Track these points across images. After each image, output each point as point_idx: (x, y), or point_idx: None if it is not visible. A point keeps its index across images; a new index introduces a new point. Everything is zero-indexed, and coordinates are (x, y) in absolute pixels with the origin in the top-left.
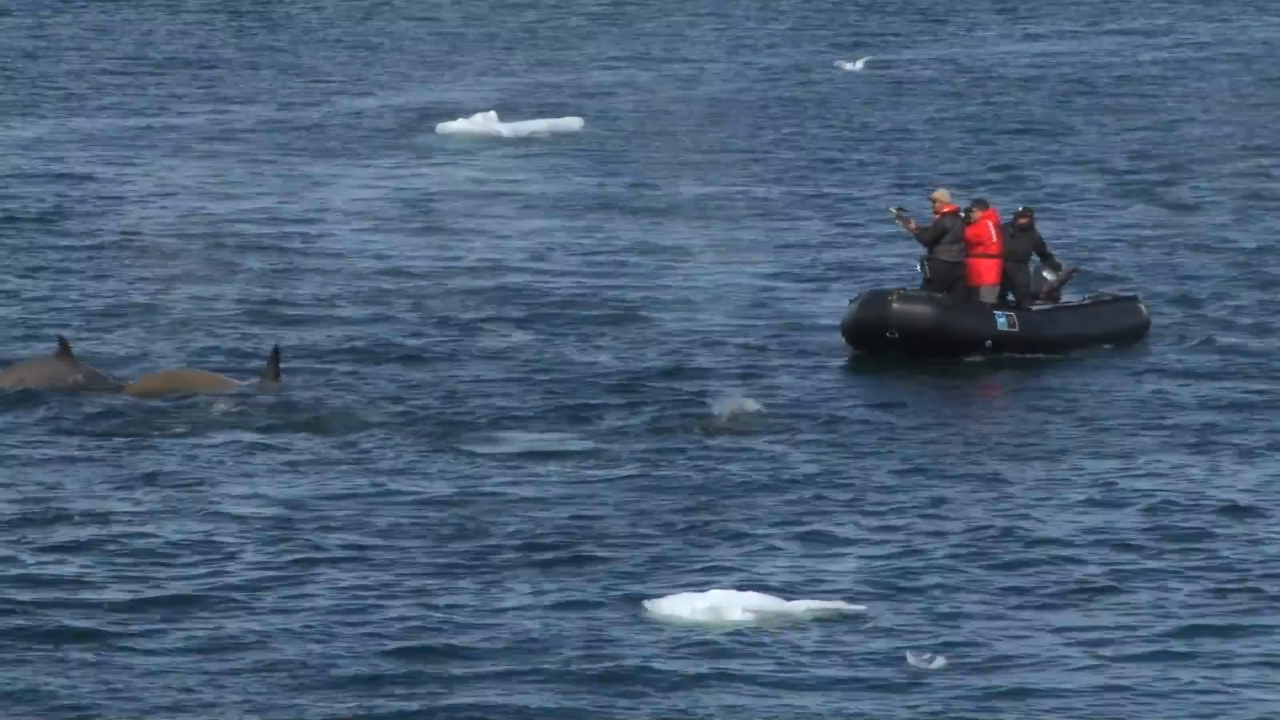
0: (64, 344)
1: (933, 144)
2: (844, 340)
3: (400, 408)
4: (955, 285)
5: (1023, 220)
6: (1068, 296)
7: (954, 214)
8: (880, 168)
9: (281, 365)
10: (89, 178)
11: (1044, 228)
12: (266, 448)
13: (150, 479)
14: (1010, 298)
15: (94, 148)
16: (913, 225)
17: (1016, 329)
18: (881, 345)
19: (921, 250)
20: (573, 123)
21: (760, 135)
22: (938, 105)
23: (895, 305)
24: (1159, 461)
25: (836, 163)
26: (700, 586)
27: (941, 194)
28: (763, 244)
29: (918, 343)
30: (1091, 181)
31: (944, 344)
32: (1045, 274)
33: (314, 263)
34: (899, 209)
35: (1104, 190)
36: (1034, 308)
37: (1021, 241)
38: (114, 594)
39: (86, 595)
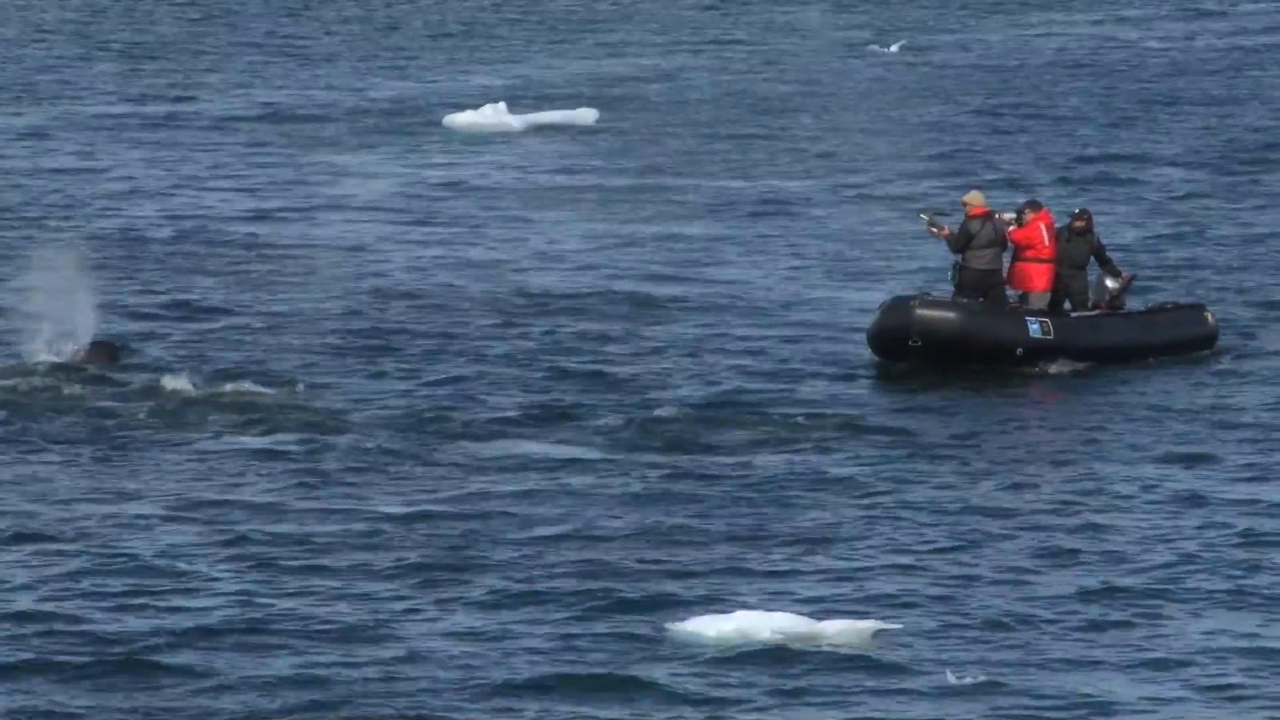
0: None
1: (976, 137)
2: (869, 349)
3: (404, 413)
4: (991, 294)
5: (1079, 224)
6: (1133, 304)
7: (983, 217)
8: (918, 162)
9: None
10: (82, 170)
11: (1103, 231)
12: (264, 454)
13: (133, 486)
14: (1067, 306)
15: (89, 137)
16: (945, 231)
17: (1051, 337)
18: (905, 354)
19: (955, 256)
20: (587, 114)
21: (788, 126)
22: (981, 94)
23: (918, 311)
24: (1210, 473)
25: (871, 156)
26: (726, 607)
27: (973, 196)
28: (790, 242)
29: (942, 351)
30: (1156, 179)
31: (970, 352)
32: (1107, 281)
33: (312, 260)
34: (931, 214)
35: (1170, 188)
36: (1074, 314)
37: (1078, 246)
38: (103, 607)
39: (79, 605)
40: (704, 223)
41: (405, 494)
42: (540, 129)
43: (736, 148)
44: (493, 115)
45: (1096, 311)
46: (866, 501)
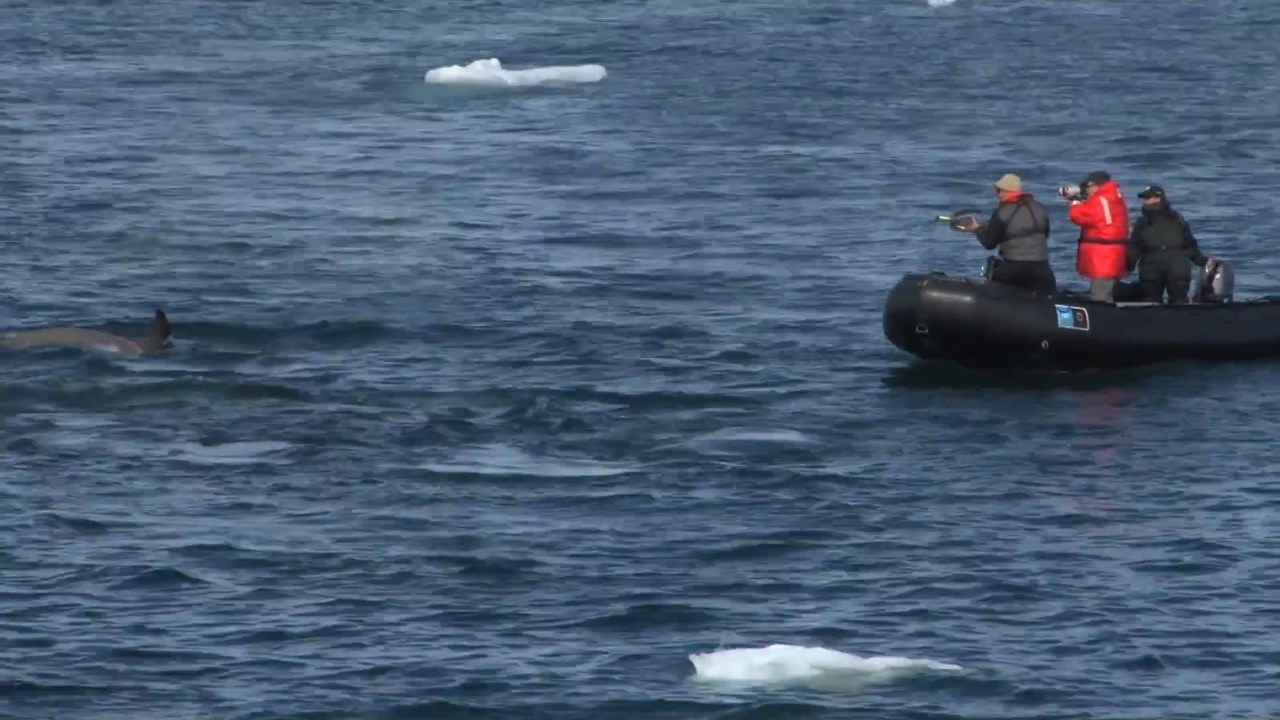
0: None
1: (1037, 99)
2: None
3: (385, 414)
4: (1036, 289)
5: (1152, 200)
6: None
7: (1016, 203)
8: (969, 128)
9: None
10: (29, 132)
11: (1196, 209)
12: (222, 467)
13: (75, 495)
14: (1165, 296)
15: (39, 98)
16: (974, 224)
17: (1087, 329)
18: (915, 343)
19: (993, 251)
20: (592, 71)
21: (822, 86)
22: (1046, 51)
23: (925, 293)
24: None
25: (914, 120)
26: (759, 640)
27: (1007, 180)
28: (820, 216)
29: (952, 341)
30: (1261, 147)
31: (985, 343)
32: (1204, 268)
33: (275, 235)
34: (955, 215)
35: (1267, 160)
36: (1122, 305)
37: (1166, 226)
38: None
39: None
40: (725, 194)
41: (396, 506)
42: (538, 88)
43: (763, 109)
44: (484, 72)
45: (1193, 303)
46: (918, 520)
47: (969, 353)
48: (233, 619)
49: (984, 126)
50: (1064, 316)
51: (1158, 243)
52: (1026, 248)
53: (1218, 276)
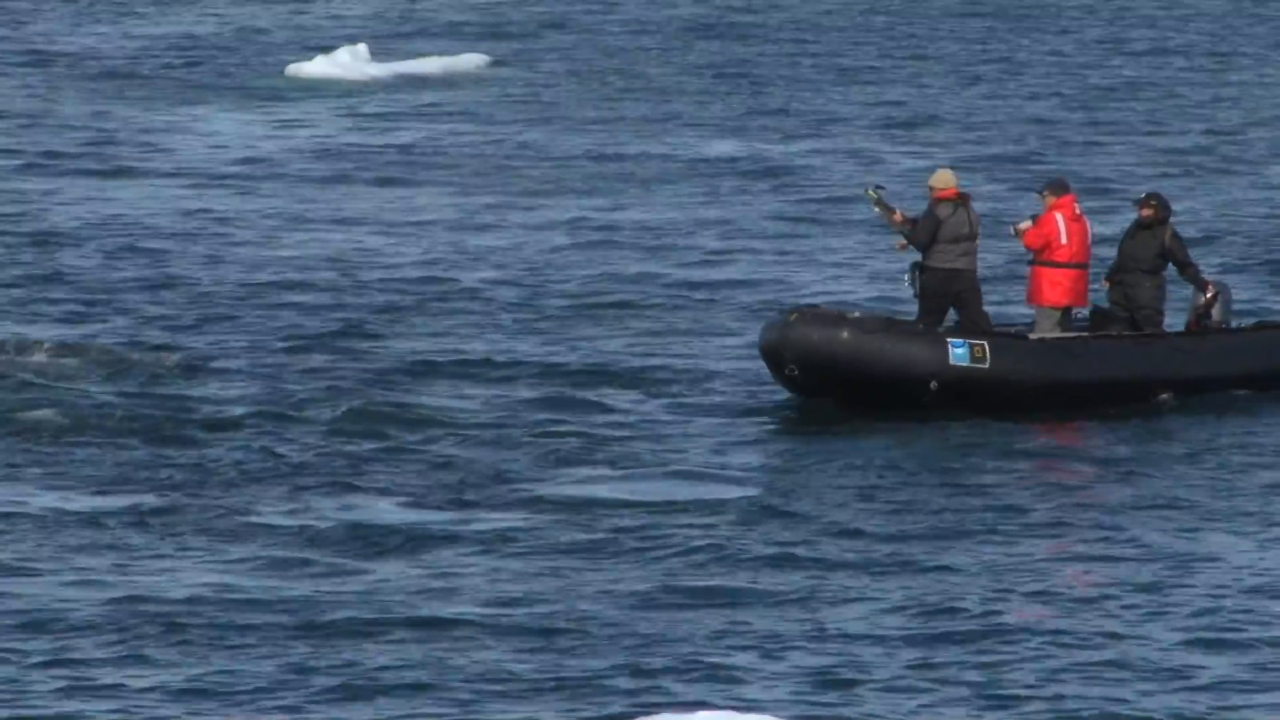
0: None
1: (993, 87)
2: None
3: (243, 446)
4: (966, 302)
5: (1146, 212)
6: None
7: (954, 201)
8: (915, 118)
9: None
10: None
11: (1194, 221)
12: (61, 512)
13: None
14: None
15: None
16: (898, 216)
17: (985, 365)
18: (792, 383)
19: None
20: (474, 60)
21: (744, 71)
22: (1055, 31)
23: (794, 330)
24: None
25: (847, 111)
26: (683, 706)
27: (942, 176)
28: (732, 222)
29: (825, 382)
30: (1241, 151)
31: (863, 386)
32: (1204, 294)
33: (107, 240)
34: (878, 189)
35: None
36: (1036, 337)
37: (1143, 242)
38: None
39: None
40: (626, 199)
41: (266, 555)
42: (412, 79)
43: (672, 99)
44: (350, 62)
45: (1153, 331)
46: (849, 573)
47: (847, 395)
48: (93, 676)
49: (933, 117)
50: (957, 352)
51: (1126, 262)
52: (955, 254)
53: (1203, 301)
